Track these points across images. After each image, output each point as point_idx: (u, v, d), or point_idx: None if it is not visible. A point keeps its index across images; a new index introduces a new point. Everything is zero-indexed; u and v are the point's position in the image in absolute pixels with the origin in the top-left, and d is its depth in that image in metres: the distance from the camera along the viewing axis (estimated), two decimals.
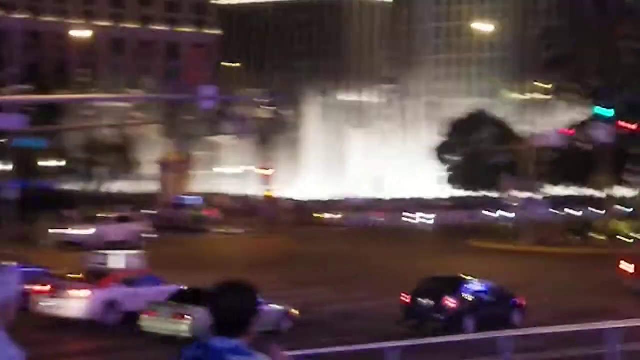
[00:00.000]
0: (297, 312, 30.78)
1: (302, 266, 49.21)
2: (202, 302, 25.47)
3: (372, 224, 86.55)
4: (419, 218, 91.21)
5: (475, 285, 31.52)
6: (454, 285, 31.04)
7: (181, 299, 28.62)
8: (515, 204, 78.35)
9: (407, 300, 30.38)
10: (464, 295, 30.66)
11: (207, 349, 5.00)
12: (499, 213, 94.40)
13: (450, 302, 30.09)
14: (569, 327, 24.37)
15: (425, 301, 30.17)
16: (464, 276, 32.25)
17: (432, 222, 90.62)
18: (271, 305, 29.31)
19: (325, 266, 49.55)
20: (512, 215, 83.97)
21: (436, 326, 29.31)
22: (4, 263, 4.40)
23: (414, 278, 32.90)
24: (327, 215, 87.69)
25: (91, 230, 57.85)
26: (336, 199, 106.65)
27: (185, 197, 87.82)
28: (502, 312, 31.00)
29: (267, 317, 28.04)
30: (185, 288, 29.86)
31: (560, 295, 39.35)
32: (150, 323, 28.27)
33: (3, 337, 4.84)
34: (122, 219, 61.13)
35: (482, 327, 28.19)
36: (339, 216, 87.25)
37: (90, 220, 60.38)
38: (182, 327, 27.55)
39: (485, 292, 31.40)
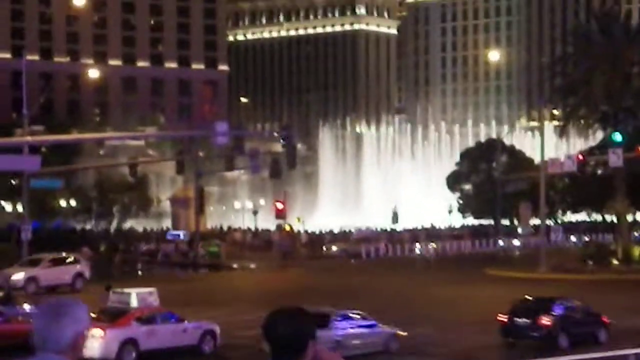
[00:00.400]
0: (404, 334, 32.20)
1: (318, 299, 49.07)
2: None
3: (387, 255, 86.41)
4: (432, 248, 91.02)
5: (566, 304, 33.81)
6: (548, 305, 33.34)
7: None
8: (530, 231, 78.29)
9: (505, 320, 32.64)
10: (556, 313, 32.76)
11: None
12: (514, 241, 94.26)
13: (545, 321, 32.17)
14: None
15: (521, 320, 32.42)
16: (555, 297, 35.19)
17: (446, 251, 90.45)
18: (381, 327, 31.49)
19: (348, 298, 49.37)
20: (528, 242, 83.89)
21: (533, 343, 32.03)
22: (68, 299, 4.53)
23: (438, 307, 32.87)
24: (334, 248, 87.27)
25: (22, 274, 54.33)
26: (348, 230, 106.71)
27: (172, 232, 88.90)
28: (590, 329, 33.46)
29: (377, 338, 30.83)
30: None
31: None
32: None
33: None
34: (56, 261, 58.25)
35: (574, 344, 31.41)
36: (347, 247, 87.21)
37: (33, 264, 56.50)
38: None
39: (575, 310, 33.63)
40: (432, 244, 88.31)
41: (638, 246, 69.12)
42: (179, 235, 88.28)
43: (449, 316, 41.17)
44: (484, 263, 72.53)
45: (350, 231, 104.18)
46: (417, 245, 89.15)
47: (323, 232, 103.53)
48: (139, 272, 69.10)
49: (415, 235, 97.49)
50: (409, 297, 49.49)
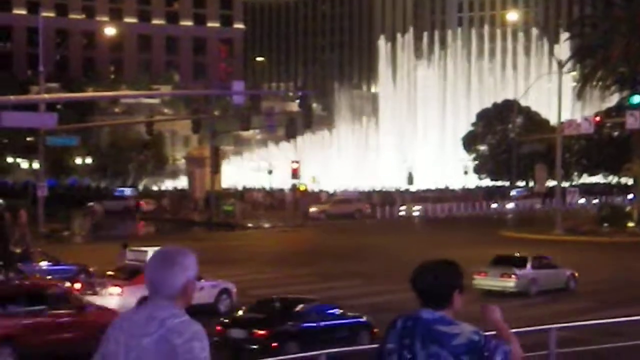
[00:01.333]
0: (576, 274, 37.19)
1: (332, 260, 49.24)
2: (519, 264, 35.30)
3: (402, 215, 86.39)
4: (447, 209, 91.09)
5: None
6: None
7: (502, 262, 35.94)
8: (546, 193, 78.18)
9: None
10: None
11: (416, 320, 5.62)
12: (529, 202, 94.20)
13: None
14: None
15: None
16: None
17: (460, 212, 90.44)
18: (562, 268, 37.14)
19: (359, 259, 49.51)
20: (543, 204, 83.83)
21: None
22: (177, 248, 4.72)
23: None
24: (312, 209, 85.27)
25: None
26: (365, 190, 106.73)
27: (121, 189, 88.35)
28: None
29: (561, 277, 36.57)
30: (503, 254, 37.39)
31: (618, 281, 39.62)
32: (482, 281, 35.20)
33: (184, 316, 5.24)
34: None
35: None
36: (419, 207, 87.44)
37: None
38: (509, 284, 34.99)
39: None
40: (417, 205, 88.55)
41: None
42: (123, 192, 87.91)
43: None
44: (499, 224, 72.52)
45: (370, 191, 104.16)
46: (447, 205, 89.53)
47: (337, 192, 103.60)
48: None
49: (403, 196, 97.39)
50: (419, 258, 49.42)
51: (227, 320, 24.31)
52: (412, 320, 5.64)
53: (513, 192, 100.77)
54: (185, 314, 5.25)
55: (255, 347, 22.64)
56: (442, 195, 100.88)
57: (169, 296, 5.23)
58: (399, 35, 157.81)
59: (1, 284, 26.48)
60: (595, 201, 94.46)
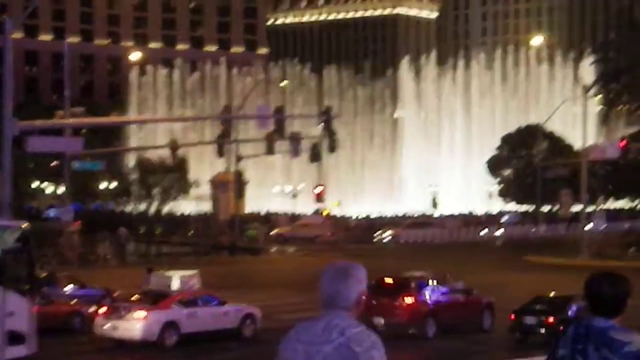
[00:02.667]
0: None
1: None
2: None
3: (424, 240, 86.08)
4: (472, 233, 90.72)
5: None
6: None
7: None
8: (571, 218, 77.75)
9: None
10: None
11: (588, 327, 6.05)
12: (555, 227, 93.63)
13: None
14: None
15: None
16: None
17: (486, 237, 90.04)
18: None
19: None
20: (569, 229, 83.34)
21: None
22: (351, 262, 5.08)
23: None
24: (379, 232, 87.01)
25: None
26: (389, 216, 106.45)
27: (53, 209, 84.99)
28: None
29: None
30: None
31: None
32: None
33: (361, 325, 5.62)
34: None
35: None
36: (391, 232, 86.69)
37: None
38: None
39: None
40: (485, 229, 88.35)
41: None
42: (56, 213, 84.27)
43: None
44: (524, 250, 72.05)
45: (394, 217, 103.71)
46: (472, 229, 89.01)
47: (363, 217, 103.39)
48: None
49: (459, 220, 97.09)
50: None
51: (518, 310, 30.69)
52: (583, 328, 6.10)
53: (504, 218, 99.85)
54: (360, 324, 5.61)
55: (544, 331, 29.48)
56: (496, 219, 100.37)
57: (344, 307, 5.63)
58: (422, 59, 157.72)
59: None
60: (625, 225, 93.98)
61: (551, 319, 29.61)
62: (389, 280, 32.32)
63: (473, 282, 48.67)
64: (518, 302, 31.87)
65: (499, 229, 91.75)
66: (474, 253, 72.53)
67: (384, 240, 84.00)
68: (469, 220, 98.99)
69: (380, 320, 30.25)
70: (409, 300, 31.30)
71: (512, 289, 44.38)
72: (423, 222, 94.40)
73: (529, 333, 30.42)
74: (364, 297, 5.71)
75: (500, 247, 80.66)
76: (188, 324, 30.55)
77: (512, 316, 30.63)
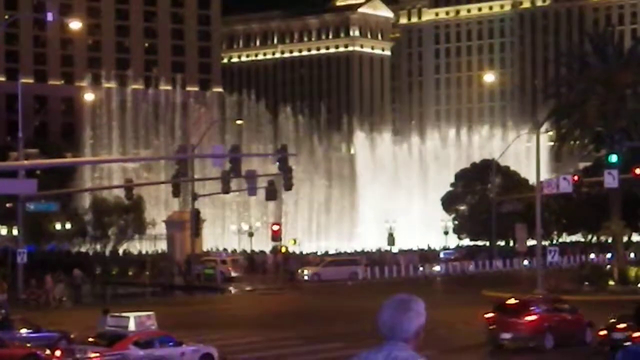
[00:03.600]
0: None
1: (315, 322, 49.03)
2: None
3: (382, 277, 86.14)
4: (428, 269, 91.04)
5: None
6: None
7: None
8: (525, 252, 78.34)
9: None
10: None
11: (634, 353, 6.75)
12: (510, 262, 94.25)
13: None
14: None
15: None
16: None
17: (441, 272, 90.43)
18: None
19: (341, 321, 49.29)
20: (524, 263, 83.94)
21: None
22: (411, 296, 5.50)
23: (439, 330, 32.60)
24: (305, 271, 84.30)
25: None
26: (348, 252, 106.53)
27: None
28: None
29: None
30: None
31: None
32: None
33: (420, 357, 5.91)
34: None
35: None
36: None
37: None
38: None
39: None
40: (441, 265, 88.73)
41: (634, 267, 69.15)
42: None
43: (449, 339, 41.12)
44: (481, 284, 72.42)
45: (352, 253, 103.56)
46: (428, 265, 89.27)
47: (323, 253, 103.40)
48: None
49: (415, 256, 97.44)
50: None
51: (608, 327, 34.55)
52: (632, 353, 6.89)
53: (442, 254, 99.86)
54: (420, 355, 5.86)
55: (630, 344, 30.26)
56: (450, 254, 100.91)
57: (404, 339, 5.89)
58: (376, 97, 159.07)
59: None
60: (573, 259, 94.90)
61: (636, 334, 32.87)
62: (512, 301, 39.00)
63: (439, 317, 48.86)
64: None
65: (436, 265, 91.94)
66: (421, 288, 72.82)
67: (305, 278, 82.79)
68: (416, 257, 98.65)
69: (506, 335, 36.88)
70: (530, 318, 37.34)
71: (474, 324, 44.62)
72: (346, 259, 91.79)
73: (617, 346, 32.59)
74: (423, 331, 5.96)
75: (440, 282, 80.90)
76: None
77: (603, 332, 35.19)
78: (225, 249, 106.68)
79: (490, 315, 37.55)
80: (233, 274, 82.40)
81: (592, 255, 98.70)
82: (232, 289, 75.64)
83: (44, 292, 63.48)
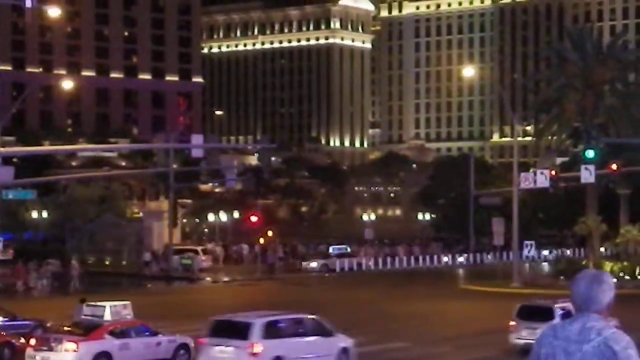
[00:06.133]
0: None
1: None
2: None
3: (360, 269, 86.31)
4: (407, 262, 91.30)
5: None
6: None
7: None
8: (502, 246, 78.73)
9: None
10: None
11: None
12: (488, 256, 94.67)
13: None
14: None
15: None
16: None
17: (419, 265, 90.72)
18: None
19: (323, 312, 49.34)
20: (501, 257, 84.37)
21: None
22: (602, 271, 6.12)
23: (416, 323, 32.55)
24: (305, 263, 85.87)
25: None
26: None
27: None
28: None
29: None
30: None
31: None
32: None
33: (614, 327, 6.26)
34: None
35: None
36: (322, 262, 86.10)
37: None
38: None
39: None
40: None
41: (609, 262, 69.57)
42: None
43: (428, 330, 41.28)
44: (458, 278, 72.84)
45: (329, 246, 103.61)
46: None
47: (297, 245, 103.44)
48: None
49: (397, 249, 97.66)
50: (384, 310, 49.54)
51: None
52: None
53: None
54: (613, 325, 6.27)
55: None
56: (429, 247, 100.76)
57: (597, 310, 6.27)
58: (356, 90, 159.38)
59: None
60: (550, 253, 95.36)
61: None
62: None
63: (416, 310, 49.09)
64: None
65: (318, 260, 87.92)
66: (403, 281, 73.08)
67: (313, 267, 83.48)
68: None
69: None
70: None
71: (450, 316, 44.79)
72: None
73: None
74: (613, 303, 6.35)
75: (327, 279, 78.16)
76: (120, 355, 30.26)
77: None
78: (202, 239, 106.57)
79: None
80: (207, 265, 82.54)
81: (568, 251, 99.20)
82: (209, 279, 75.61)
83: (23, 280, 63.32)
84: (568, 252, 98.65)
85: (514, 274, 65.98)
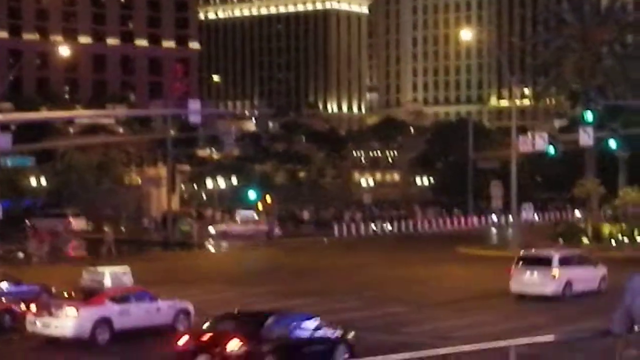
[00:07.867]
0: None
1: (291, 278, 49.30)
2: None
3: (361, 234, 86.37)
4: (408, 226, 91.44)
5: None
6: None
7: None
8: (501, 210, 78.82)
9: None
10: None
11: None
12: (485, 219, 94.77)
13: None
14: None
15: None
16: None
17: (419, 229, 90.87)
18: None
19: (316, 277, 49.56)
20: (499, 221, 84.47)
21: None
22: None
23: (410, 286, 32.60)
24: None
25: None
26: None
27: None
28: None
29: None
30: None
31: None
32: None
33: None
34: None
35: None
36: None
37: None
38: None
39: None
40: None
41: (607, 224, 69.71)
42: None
43: (424, 295, 41.45)
44: (457, 241, 72.83)
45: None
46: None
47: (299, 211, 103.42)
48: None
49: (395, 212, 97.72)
50: (378, 276, 49.71)
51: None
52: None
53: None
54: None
55: None
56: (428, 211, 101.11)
57: None
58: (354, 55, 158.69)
59: None
60: (549, 216, 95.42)
61: None
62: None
63: (414, 274, 49.24)
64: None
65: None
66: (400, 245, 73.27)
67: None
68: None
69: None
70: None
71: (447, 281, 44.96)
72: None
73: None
74: None
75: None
76: (121, 320, 30.39)
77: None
78: (200, 205, 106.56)
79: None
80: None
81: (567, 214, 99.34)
82: (209, 246, 75.72)
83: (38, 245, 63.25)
84: (567, 214, 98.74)
85: (512, 237, 66.03)
